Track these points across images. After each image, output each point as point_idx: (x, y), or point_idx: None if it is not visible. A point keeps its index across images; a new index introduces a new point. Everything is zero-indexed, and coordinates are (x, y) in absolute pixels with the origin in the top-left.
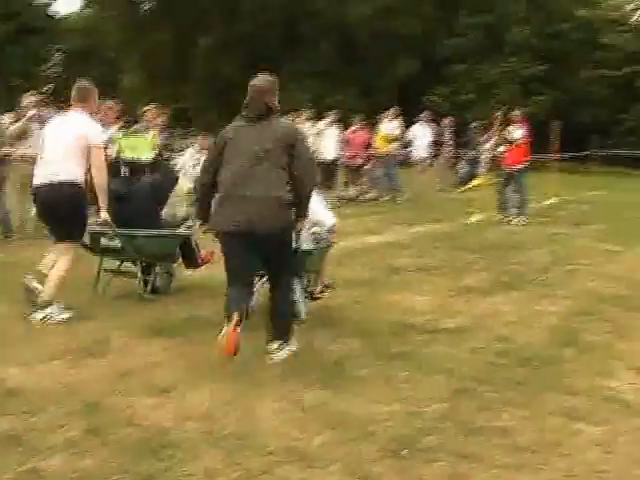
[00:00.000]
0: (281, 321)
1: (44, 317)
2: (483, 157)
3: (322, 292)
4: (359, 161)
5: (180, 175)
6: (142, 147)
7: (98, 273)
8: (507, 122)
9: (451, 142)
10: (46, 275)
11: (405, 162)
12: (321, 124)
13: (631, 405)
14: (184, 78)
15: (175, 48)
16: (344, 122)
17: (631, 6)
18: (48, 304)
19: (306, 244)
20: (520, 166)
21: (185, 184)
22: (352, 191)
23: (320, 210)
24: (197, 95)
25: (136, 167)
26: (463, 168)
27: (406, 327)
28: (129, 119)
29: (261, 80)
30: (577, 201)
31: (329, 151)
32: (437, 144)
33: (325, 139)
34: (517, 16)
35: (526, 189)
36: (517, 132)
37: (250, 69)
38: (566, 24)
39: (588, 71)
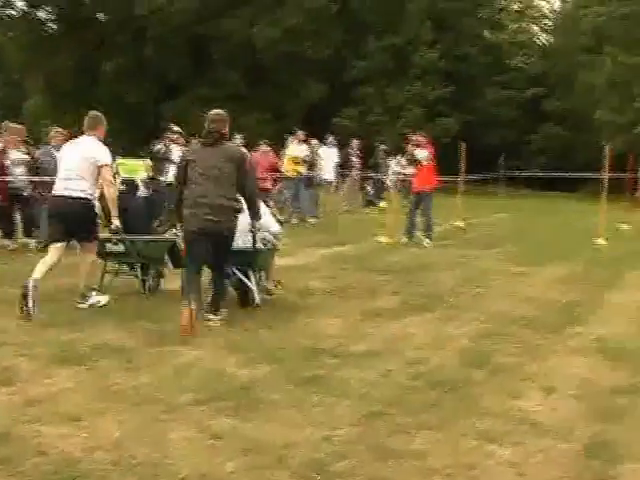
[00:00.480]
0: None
1: (92, 304)
2: (391, 179)
3: (275, 286)
4: (267, 184)
5: None
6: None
7: (102, 275)
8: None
9: (358, 164)
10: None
11: (313, 184)
12: None
13: (542, 425)
14: (89, 102)
15: (79, 71)
16: (252, 146)
17: (536, 29)
18: (89, 293)
19: (258, 244)
20: (427, 188)
21: None
22: None
23: (268, 219)
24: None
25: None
26: (371, 190)
27: (317, 351)
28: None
29: (217, 113)
30: (484, 223)
31: None
32: (344, 166)
33: None
34: (424, 39)
35: (431, 212)
36: (421, 154)
37: (157, 93)
38: (473, 47)
39: (495, 93)
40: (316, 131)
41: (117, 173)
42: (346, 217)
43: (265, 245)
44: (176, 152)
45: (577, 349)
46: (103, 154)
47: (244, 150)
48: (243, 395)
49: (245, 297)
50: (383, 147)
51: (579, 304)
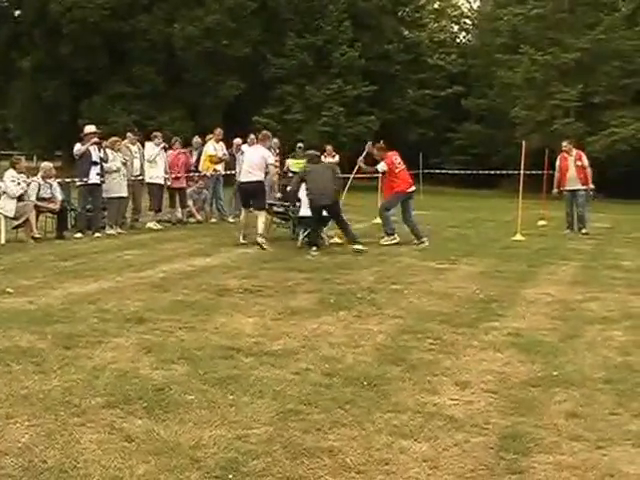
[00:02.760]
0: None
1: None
2: None
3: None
4: (183, 183)
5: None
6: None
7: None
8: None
9: (278, 163)
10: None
11: (232, 183)
12: (148, 147)
13: (456, 420)
14: (4, 99)
15: None
16: (169, 144)
17: (456, 28)
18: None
19: None
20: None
21: None
22: (179, 213)
23: None
24: (20, 118)
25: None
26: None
27: (233, 350)
28: None
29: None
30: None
31: (158, 174)
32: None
33: (153, 162)
34: (344, 37)
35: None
36: (380, 165)
37: (74, 91)
38: (393, 45)
39: (415, 91)
40: (237, 129)
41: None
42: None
43: None
44: (95, 153)
45: (492, 344)
46: (269, 156)
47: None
48: (157, 396)
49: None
50: (300, 145)
51: (495, 299)
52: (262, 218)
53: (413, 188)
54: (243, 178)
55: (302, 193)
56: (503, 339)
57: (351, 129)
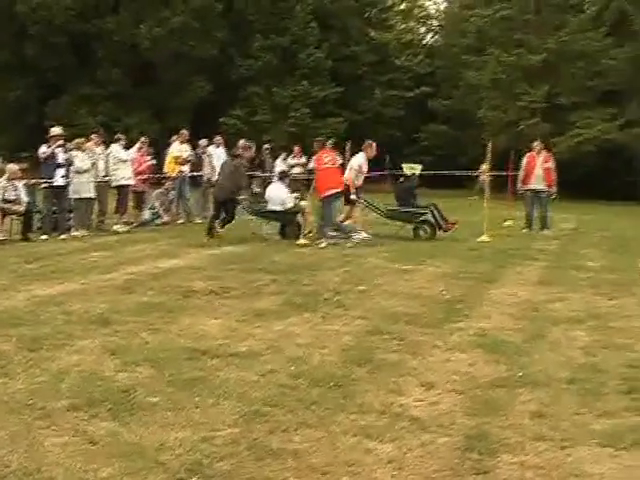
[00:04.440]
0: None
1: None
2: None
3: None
4: (147, 185)
5: None
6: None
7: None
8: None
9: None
10: None
11: (199, 184)
12: (114, 149)
13: (421, 421)
14: None
15: None
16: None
17: (423, 29)
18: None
19: None
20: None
21: None
22: (145, 215)
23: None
24: None
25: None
26: (257, 189)
27: (199, 352)
28: None
29: None
30: (370, 221)
31: (123, 175)
32: None
33: (120, 164)
34: (311, 38)
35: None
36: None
37: (41, 92)
38: (360, 46)
39: (382, 92)
40: (204, 130)
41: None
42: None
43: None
44: (61, 155)
45: (458, 344)
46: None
47: None
48: (122, 399)
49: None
50: (267, 146)
51: (461, 300)
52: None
53: (333, 191)
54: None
55: (271, 189)
56: (469, 339)
57: (318, 130)
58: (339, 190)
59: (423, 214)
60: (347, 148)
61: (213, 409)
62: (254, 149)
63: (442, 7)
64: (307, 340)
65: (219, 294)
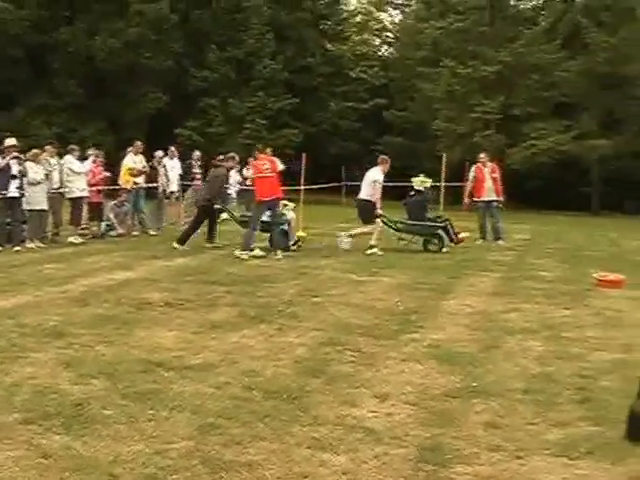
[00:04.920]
0: None
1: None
2: (233, 190)
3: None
4: (102, 196)
5: None
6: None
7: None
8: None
9: (200, 175)
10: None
11: (155, 195)
12: (68, 160)
13: (375, 432)
14: None
15: None
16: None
17: (378, 41)
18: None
19: None
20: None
21: None
22: (101, 226)
23: None
24: None
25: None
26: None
27: (153, 364)
28: None
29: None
30: (326, 233)
31: (77, 186)
32: (186, 177)
33: (74, 175)
34: (266, 50)
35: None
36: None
37: None
38: (315, 58)
39: (337, 104)
40: (160, 142)
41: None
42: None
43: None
44: (15, 167)
45: (412, 355)
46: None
47: None
48: (75, 412)
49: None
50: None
51: (415, 311)
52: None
53: (271, 197)
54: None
55: None
56: (423, 351)
57: (273, 142)
58: (274, 197)
59: (438, 227)
60: (303, 159)
61: (167, 422)
62: (237, 159)
63: (397, 19)
64: (262, 352)
65: (174, 306)
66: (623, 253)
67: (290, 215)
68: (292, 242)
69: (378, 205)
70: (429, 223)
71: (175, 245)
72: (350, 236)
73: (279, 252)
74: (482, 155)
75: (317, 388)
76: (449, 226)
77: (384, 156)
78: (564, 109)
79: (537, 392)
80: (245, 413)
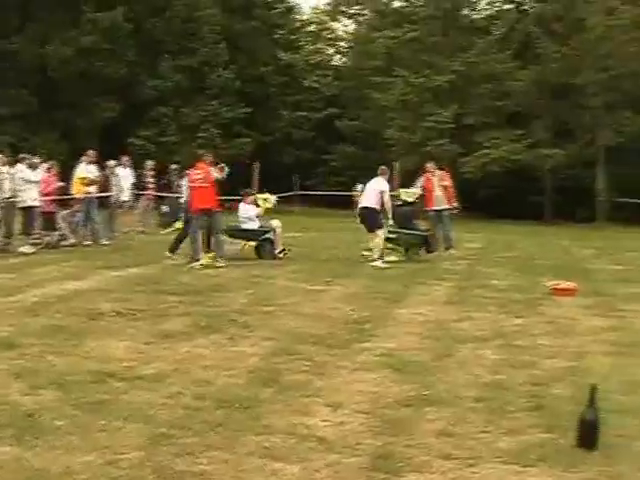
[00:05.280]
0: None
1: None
2: (184, 199)
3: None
4: (54, 205)
5: None
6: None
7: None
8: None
9: (153, 185)
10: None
11: (107, 205)
12: (19, 169)
13: (327, 441)
14: None
15: None
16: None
17: (332, 50)
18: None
19: None
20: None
21: None
22: (52, 236)
23: None
24: None
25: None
26: (165, 210)
27: (105, 375)
28: None
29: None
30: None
31: (29, 196)
32: (139, 187)
33: (26, 185)
34: (220, 59)
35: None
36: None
37: None
38: (268, 67)
39: (290, 113)
40: (113, 151)
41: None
42: (141, 238)
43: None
44: None
45: (365, 364)
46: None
47: None
48: (27, 422)
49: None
50: (175, 167)
51: (368, 320)
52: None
53: (203, 207)
54: (361, 204)
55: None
56: (376, 359)
57: (226, 151)
58: (206, 208)
59: (424, 237)
60: (255, 169)
61: (119, 432)
62: (226, 170)
63: (351, 29)
64: (214, 362)
65: (126, 316)
66: (575, 261)
67: (275, 223)
68: (279, 250)
69: (389, 214)
70: (417, 232)
71: (167, 254)
72: (380, 257)
73: (221, 260)
74: (429, 164)
75: (269, 397)
76: (429, 237)
77: (383, 167)
78: (517, 118)
79: (489, 400)
80: (197, 423)
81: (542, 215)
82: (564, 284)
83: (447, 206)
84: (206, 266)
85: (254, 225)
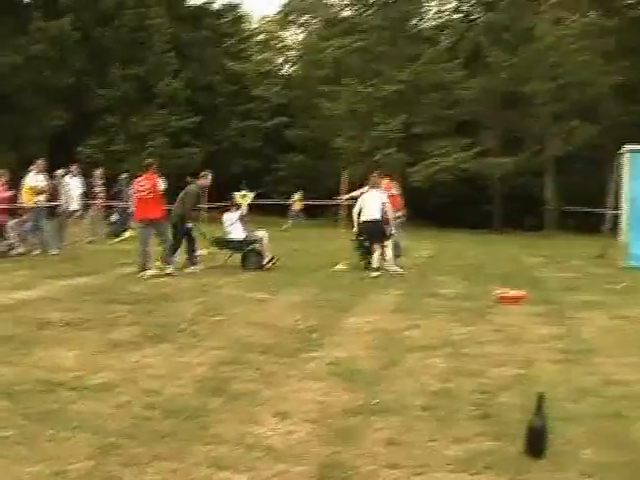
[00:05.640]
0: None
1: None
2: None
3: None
4: (3, 215)
5: None
6: None
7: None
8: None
9: (102, 194)
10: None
11: (56, 214)
12: None
13: (275, 450)
14: None
15: None
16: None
17: (281, 59)
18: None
19: None
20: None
21: None
22: (0, 246)
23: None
24: None
25: None
26: (115, 220)
27: (53, 384)
28: None
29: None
30: (227, 252)
31: None
32: (88, 196)
33: None
34: (168, 68)
35: (168, 240)
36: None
37: None
38: (217, 76)
39: (239, 122)
40: (62, 160)
41: None
42: (90, 247)
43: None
44: None
45: (313, 373)
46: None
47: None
48: None
49: None
50: (124, 176)
51: (316, 329)
52: (378, 250)
53: (147, 218)
54: (365, 218)
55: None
56: (324, 368)
57: (175, 160)
58: (152, 218)
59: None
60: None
61: (67, 442)
62: (210, 177)
63: (300, 38)
64: (162, 371)
65: (75, 325)
66: (524, 269)
67: (262, 234)
68: (266, 260)
69: (392, 223)
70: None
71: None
72: (395, 266)
73: (170, 267)
74: (374, 174)
75: (217, 407)
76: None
77: (375, 176)
78: (466, 127)
79: (437, 408)
80: (145, 432)
81: (491, 223)
82: (512, 292)
83: (398, 214)
84: (156, 275)
85: (240, 235)
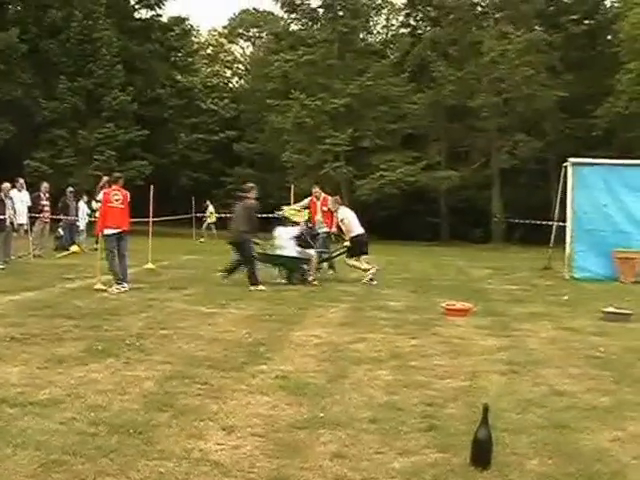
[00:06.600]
0: None
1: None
2: (81, 223)
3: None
4: None
5: None
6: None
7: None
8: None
9: (48, 207)
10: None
11: (2, 228)
12: None
13: (222, 465)
14: None
15: None
16: None
17: (229, 73)
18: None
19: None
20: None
21: None
22: None
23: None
24: None
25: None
26: (61, 234)
27: None
28: None
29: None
30: (175, 265)
31: None
32: (34, 209)
33: None
34: (116, 81)
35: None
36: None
37: None
38: (165, 90)
39: (188, 135)
40: (8, 173)
41: None
42: (36, 262)
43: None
44: None
45: (260, 387)
46: None
47: None
48: None
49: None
50: (71, 189)
51: (263, 343)
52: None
53: (118, 228)
54: (358, 231)
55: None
56: (271, 382)
57: (123, 173)
58: (121, 230)
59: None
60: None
61: (10, 460)
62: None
63: (248, 51)
64: (108, 386)
65: (19, 341)
66: (470, 281)
67: (312, 252)
68: (312, 278)
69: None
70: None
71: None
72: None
73: (114, 286)
74: (315, 189)
75: (164, 422)
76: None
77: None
78: (413, 141)
79: (383, 421)
80: (90, 449)
81: (438, 236)
82: (459, 304)
83: (327, 230)
84: (103, 290)
85: (293, 252)
